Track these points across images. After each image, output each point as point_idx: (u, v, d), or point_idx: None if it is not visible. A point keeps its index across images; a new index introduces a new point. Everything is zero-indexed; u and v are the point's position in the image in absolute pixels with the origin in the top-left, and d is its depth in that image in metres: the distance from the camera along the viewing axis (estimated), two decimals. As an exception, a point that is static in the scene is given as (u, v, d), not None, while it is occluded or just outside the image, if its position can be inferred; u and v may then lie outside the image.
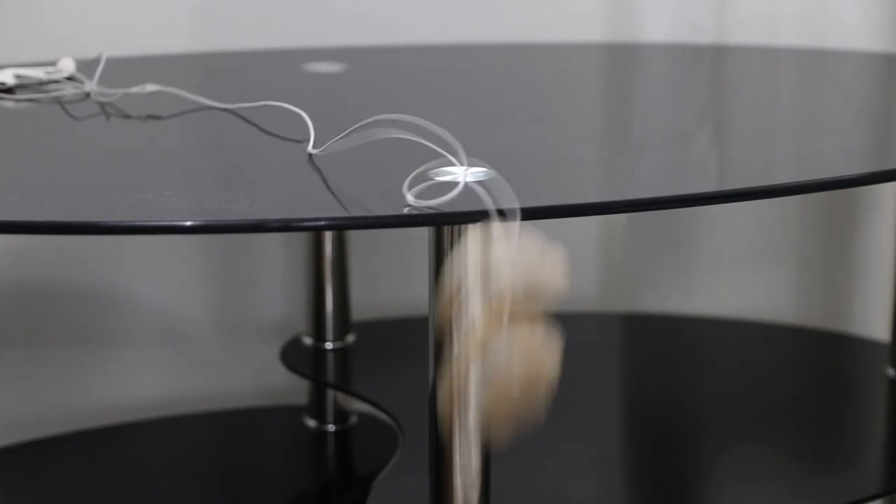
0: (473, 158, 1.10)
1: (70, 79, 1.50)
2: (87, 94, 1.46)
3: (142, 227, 1.06)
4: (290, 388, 1.84)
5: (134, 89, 1.45)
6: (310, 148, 1.20)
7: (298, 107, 1.29)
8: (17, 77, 1.47)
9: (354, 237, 1.80)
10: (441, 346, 1.21)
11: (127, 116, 1.41)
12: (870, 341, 1.80)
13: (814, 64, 1.76)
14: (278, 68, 1.58)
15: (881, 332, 1.84)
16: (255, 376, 1.93)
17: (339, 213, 1.09)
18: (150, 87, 1.45)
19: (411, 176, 1.10)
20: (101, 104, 1.43)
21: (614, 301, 2.01)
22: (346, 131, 1.16)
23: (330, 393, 1.73)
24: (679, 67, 1.78)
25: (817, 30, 1.88)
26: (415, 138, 1.08)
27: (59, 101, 1.43)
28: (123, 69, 1.51)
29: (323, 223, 1.12)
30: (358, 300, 1.78)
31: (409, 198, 1.06)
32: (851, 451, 1.52)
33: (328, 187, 1.17)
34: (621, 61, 1.86)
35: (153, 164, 1.26)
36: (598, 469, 1.48)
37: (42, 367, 1.87)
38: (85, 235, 1.77)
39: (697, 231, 1.97)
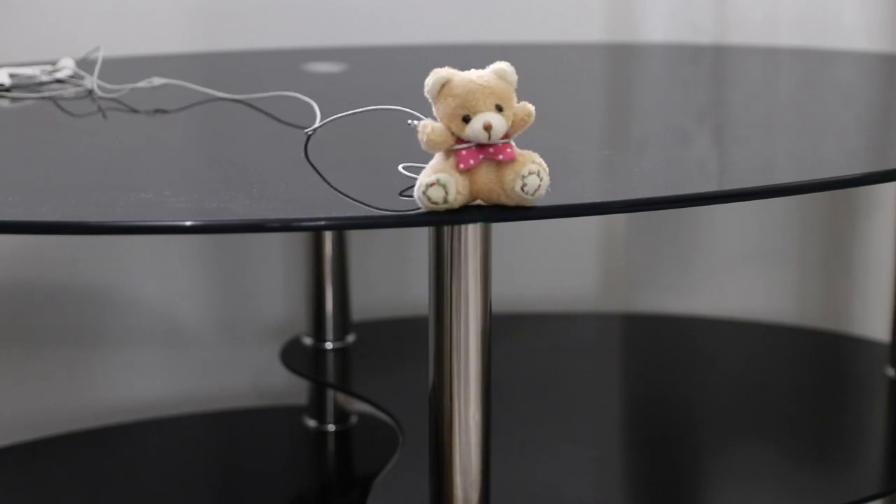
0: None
1: (70, 78, 1.50)
2: (90, 92, 1.46)
3: (142, 227, 1.06)
4: (290, 388, 1.84)
5: (142, 83, 1.46)
6: (308, 129, 1.19)
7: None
8: (13, 76, 1.47)
9: (354, 237, 1.80)
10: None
11: (127, 114, 1.41)
12: (870, 341, 1.80)
13: (814, 64, 1.76)
14: (278, 68, 1.58)
15: (881, 332, 1.84)
16: (255, 377, 1.93)
17: (339, 213, 1.09)
18: (158, 81, 1.46)
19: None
20: (102, 104, 1.43)
21: (614, 301, 2.01)
22: (343, 113, 1.17)
23: (330, 393, 1.73)
24: (679, 67, 1.78)
25: (817, 30, 1.88)
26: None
27: (59, 101, 1.44)
28: (123, 69, 1.51)
29: (323, 223, 1.12)
30: (358, 300, 1.78)
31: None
32: (851, 451, 1.52)
33: (328, 187, 1.17)
34: (621, 61, 1.86)
35: (153, 163, 1.26)
36: (597, 469, 1.48)
37: (42, 367, 1.87)
38: (85, 235, 1.77)
39: (697, 231, 1.97)
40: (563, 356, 1.73)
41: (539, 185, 1.04)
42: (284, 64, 1.64)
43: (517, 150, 1.05)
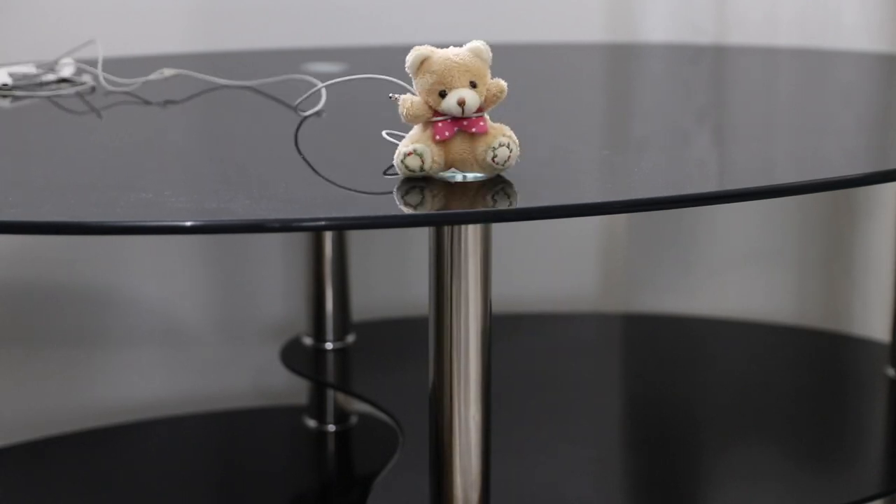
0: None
1: (73, 76, 1.50)
2: (92, 90, 1.46)
3: (142, 227, 1.06)
4: (290, 388, 1.84)
5: (153, 76, 1.46)
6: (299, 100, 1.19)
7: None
8: (14, 76, 1.47)
9: (354, 237, 1.80)
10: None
11: (126, 114, 1.41)
12: (870, 341, 1.80)
13: (814, 64, 1.76)
14: (278, 68, 1.58)
15: (881, 332, 1.84)
16: (255, 376, 1.93)
17: (339, 213, 1.09)
18: (168, 72, 1.48)
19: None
20: (102, 103, 1.43)
21: (614, 301, 2.01)
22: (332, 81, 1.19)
23: (330, 393, 1.73)
24: (679, 67, 1.78)
25: (817, 30, 1.88)
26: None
27: (60, 100, 1.43)
28: (123, 68, 1.51)
29: (323, 223, 1.12)
30: (358, 300, 1.78)
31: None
32: (851, 451, 1.52)
33: (328, 187, 1.17)
34: (621, 61, 1.86)
35: (154, 162, 1.26)
36: (597, 469, 1.48)
37: (42, 367, 1.87)
38: (85, 235, 1.77)
39: (697, 231, 1.97)
40: (563, 356, 1.73)
41: (509, 156, 1.11)
42: (284, 64, 1.64)
43: (490, 124, 1.12)
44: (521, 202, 1.10)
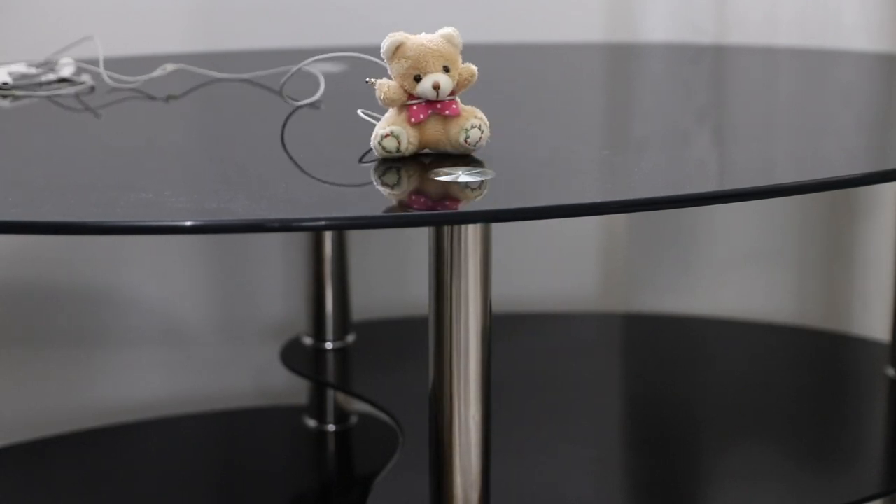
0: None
1: (73, 75, 1.50)
2: (91, 89, 1.46)
3: (142, 227, 1.06)
4: (290, 388, 1.84)
5: (157, 72, 1.47)
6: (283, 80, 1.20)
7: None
8: (14, 75, 1.47)
9: (354, 237, 1.80)
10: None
11: (125, 113, 1.41)
12: (870, 341, 1.80)
13: (814, 64, 1.76)
14: (277, 69, 1.58)
15: (881, 332, 1.84)
16: (255, 376, 1.93)
17: (338, 213, 1.09)
18: (171, 67, 1.49)
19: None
20: (102, 102, 1.43)
21: (614, 301, 2.01)
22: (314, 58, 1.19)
23: (330, 393, 1.73)
24: (679, 67, 1.78)
25: (817, 30, 1.88)
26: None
27: (60, 99, 1.43)
28: (123, 68, 1.51)
29: (323, 223, 1.12)
30: (358, 300, 1.78)
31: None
32: (851, 451, 1.52)
33: (328, 186, 1.17)
34: (621, 61, 1.86)
35: (153, 162, 1.26)
36: (597, 469, 1.48)
37: (42, 367, 1.87)
38: (85, 235, 1.77)
39: (697, 231, 1.97)
40: (563, 356, 1.73)
41: (481, 137, 1.17)
42: (284, 64, 1.64)
43: (462, 106, 1.17)
44: (520, 202, 1.10)
